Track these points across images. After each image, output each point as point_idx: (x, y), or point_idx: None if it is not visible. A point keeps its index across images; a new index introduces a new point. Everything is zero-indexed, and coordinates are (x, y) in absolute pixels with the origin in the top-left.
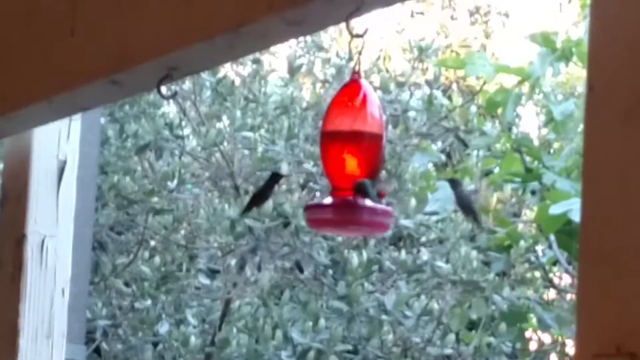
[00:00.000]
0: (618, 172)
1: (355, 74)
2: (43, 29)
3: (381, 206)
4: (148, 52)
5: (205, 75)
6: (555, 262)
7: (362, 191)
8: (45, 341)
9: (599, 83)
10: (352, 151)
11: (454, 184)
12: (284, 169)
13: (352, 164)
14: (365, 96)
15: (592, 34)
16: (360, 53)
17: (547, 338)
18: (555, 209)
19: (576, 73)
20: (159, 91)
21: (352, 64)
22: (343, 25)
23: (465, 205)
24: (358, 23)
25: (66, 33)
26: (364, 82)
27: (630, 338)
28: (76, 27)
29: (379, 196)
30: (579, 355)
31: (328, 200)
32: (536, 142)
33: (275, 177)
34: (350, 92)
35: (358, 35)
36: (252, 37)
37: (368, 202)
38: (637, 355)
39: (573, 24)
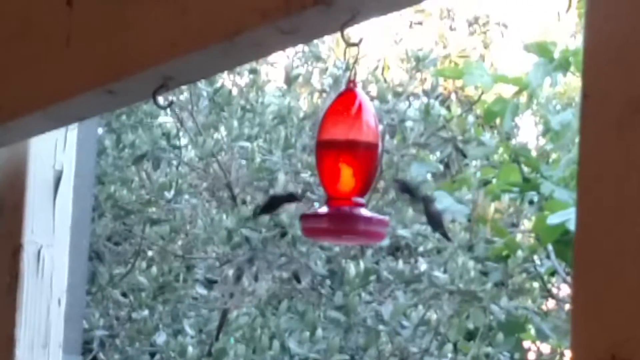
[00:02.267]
0: (613, 180)
1: (351, 83)
2: (39, 38)
3: (377, 215)
4: (144, 61)
5: (202, 85)
6: (553, 273)
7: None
8: (41, 351)
9: (594, 91)
10: (347, 160)
11: (427, 200)
12: (281, 178)
13: (347, 173)
14: (360, 105)
15: (586, 42)
16: (356, 62)
17: (545, 348)
18: (553, 219)
19: (574, 83)
20: (154, 101)
21: (349, 74)
22: (339, 34)
23: (435, 222)
24: (354, 32)
25: (62, 43)
26: (359, 91)
27: (626, 346)
28: (72, 37)
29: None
30: None
31: (324, 209)
32: (534, 153)
33: (291, 198)
34: (345, 101)
35: (353, 44)
36: (247, 46)
37: (364, 212)
38: None
39: (571, 35)
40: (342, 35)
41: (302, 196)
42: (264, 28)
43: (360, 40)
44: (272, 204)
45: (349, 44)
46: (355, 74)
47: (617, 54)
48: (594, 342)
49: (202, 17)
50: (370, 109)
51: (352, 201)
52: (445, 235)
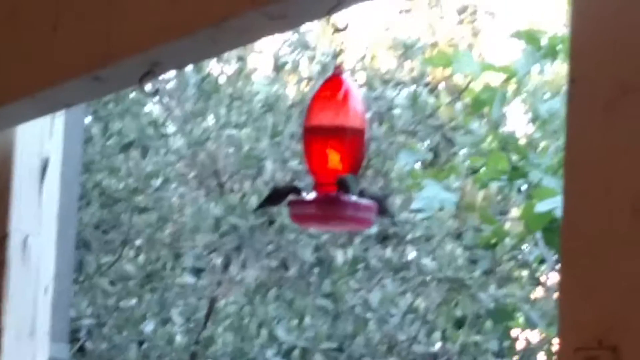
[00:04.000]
0: (599, 164)
1: (338, 69)
2: (26, 25)
3: (365, 201)
4: (131, 48)
5: (189, 73)
6: (542, 261)
7: (344, 186)
8: (28, 340)
9: (581, 75)
10: (334, 146)
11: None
12: (269, 167)
13: (334, 159)
14: (347, 91)
15: (573, 27)
16: (342, 48)
17: (534, 337)
18: (541, 207)
19: (562, 71)
20: (141, 87)
21: (337, 61)
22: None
23: (382, 210)
24: (341, 17)
25: (49, 30)
26: (346, 76)
27: (612, 332)
28: (59, 24)
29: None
30: (562, 349)
31: (311, 195)
32: (523, 141)
33: (294, 190)
34: (332, 86)
35: (340, 30)
36: (235, 32)
37: (352, 198)
38: (619, 348)
39: (561, 24)
40: (329, 21)
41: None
42: (251, 14)
43: (347, 26)
44: (275, 197)
45: (336, 30)
46: (342, 60)
47: (603, 38)
48: (581, 328)
49: (190, 3)
50: (357, 94)
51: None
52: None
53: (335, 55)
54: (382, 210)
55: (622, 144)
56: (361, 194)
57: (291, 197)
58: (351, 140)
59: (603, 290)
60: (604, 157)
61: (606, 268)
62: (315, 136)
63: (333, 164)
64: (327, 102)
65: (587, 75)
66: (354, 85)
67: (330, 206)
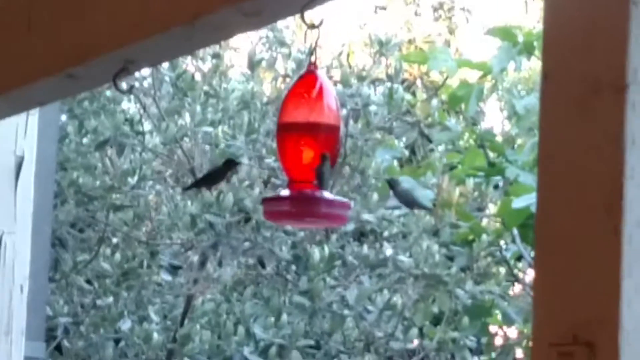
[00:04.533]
0: (573, 160)
1: (311, 65)
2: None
3: (339, 198)
4: (104, 45)
5: (164, 70)
6: (519, 257)
7: (319, 175)
8: (4, 338)
9: (554, 71)
10: (309, 143)
11: (392, 183)
12: (245, 163)
13: (309, 155)
14: (321, 87)
15: (546, 23)
16: (316, 44)
17: (512, 333)
18: (518, 203)
19: (538, 68)
20: (115, 85)
21: (311, 58)
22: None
23: (408, 200)
24: (316, 14)
25: (23, 28)
26: (320, 73)
27: (587, 327)
28: (32, 22)
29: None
30: (536, 345)
31: (285, 192)
32: (499, 138)
33: (230, 164)
34: (306, 83)
35: (314, 26)
36: (209, 28)
37: (326, 194)
38: (594, 343)
39: (537, 21)
40: (303, 17)
41: (240, 162)
42: (225, 10)
43: (321, 22)
44: (211, 177)
45: (310, 26)
46: (316, 57)
47: (576, 35)
48: (556, 323)
49: (164, 0)
50: (331, 91)
51: (313, 184)
52: (424, 207)
53: (310, 52)
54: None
55: (594, 141)
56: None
57: (231, 172)
58: (325, 137)
59: (577, 285)
60: (576, 153)
61: (580, 263)
62: (289, 133)
63: (307, 161)
64: (301, 99)
65: (559, 72)
66: (328, 81)
67: (305, 203)
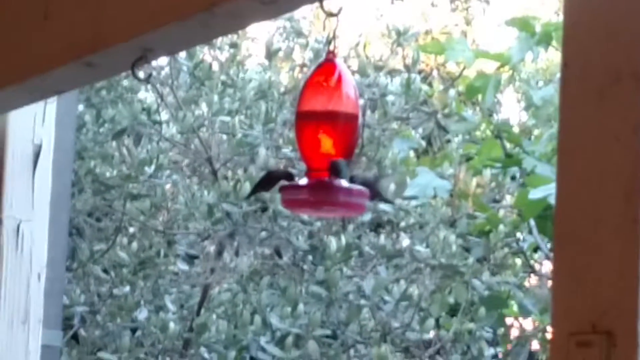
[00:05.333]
0: (592, 150)
1: (330, 54)
2: (17, 12)
3: (357, 187)
4: (122, 33)
5: (182, 60)
6: (536, 249)
7: (336, 170)
8: (21, 327)
9: (574, 60)
10: (327, 131)
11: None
12: (262, 153)
13: (327, 144)
14: (340, 76)
15: (567, 11)
16: (334, 32)
17: (528, 324)
18: (535, 194)
19: (556, 59)
20: (133, 73)
21: (328, 45)
22: (320, 9)
23: (374, 193)
24: (334, 3)
25: (40, 16)
26: (339, 61)
27: (606, 316)
28: (50, 10)
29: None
30: (555, 334)
31: (303, 181)
32: (516, 129)
33: (287, 176)
34: (325, 71)
35: (333, 14)
36: (227, 16)
37: (344, 183)
38: (613, 333)
39: (555, 12)
40: (322, 5)
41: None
42: None
43: (340, 10)
44: (268, 181)
45: (329, 14)
46: (335, 45)
47: (597, 24)
48: (575, 312)
49: None
50: (350, 79)
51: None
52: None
53: (328, 41)
54: (375, 193)
55: (615, 130)
56: (352, 179)
57: (283, 182)
58: (344, 126)
59: (596, 275)
60: (596, 142)
61: (599, 253)
62: (307, 121)
63: (325, 149)
64: (320, 87)
65: (580, 61)
66: (347, 70)
67: (323, 192)
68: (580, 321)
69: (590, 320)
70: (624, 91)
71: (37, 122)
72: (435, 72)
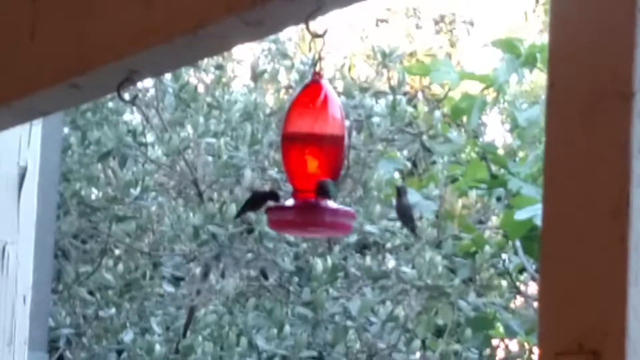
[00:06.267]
0: (579, 168)
1: (316, 75)
2: (3, 32)
3: (343, 207)
4: (108, 55)
5: (167, 81)
6: (521, 270)
7: (324, 191)
8: (6, 349)
9: (559, 80)
10: (313, 152)
11: (400, 190)
12: (248, 175)
13: (313, 165)
14: (326, 97)
15: (552, 30)
16: (320, 53)
17: (514, 346)
18: (520, 215)
19: (540, 81)
20: (119, 94)
21: (314, 66)
22: (306, 30)
23: (406, 215)
24: (319, 25)
25: (26, 37)
26: (324, 82)
27: (593, 336)
28: (36, 32)
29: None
30: (542, 354)
31: (290, 202)
32: (501, 150)
33: (273, 197)
34: (311, 92)
35: (318, 35)
36: (212, 38)
37: (330, 204)
38: (600, 352)
39: (538, 32)
40: (307, 27)
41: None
42: (228, 20)
43: (325, 32)
44: (255, 201)
45: (315, 36)
46: (320, 66)
47: (583, 42)
48: (562, 332)
49: (167, 10)
50: (335, 100)
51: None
52: (413, 229)
53: (314, 62)
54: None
55: (600, 149)
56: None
57: (270, 202)
58: (330, 147)
59: (583, 294)
60: (582, 160)
61: (585, 272)
62: (293, 143)
63: (312, 170)
64: (306, 108)
65: (565, 80)
66: (333, 91)
67: (309, 212)
68: (566, 341)
69: (576, 339)
70: (610, 110)
71: (22, 144)
72: (420, 94)
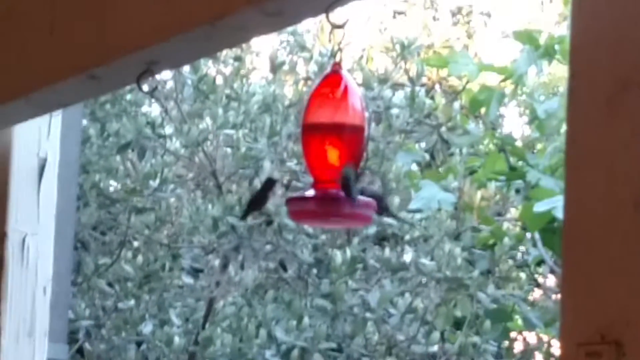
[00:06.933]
0: (601, 158)
1: (336, 65)
2: (22, 25)
3: (363, 198)
4: (127, 46)
5: (186, 73)
6: (540, 262)
7: (345, 179)
8: (27, 340)
9: (582, 70)
10: (333, 143)
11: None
12: (267, 167)
13: (333, 155)
14: (346, 87)
15: (574, 21)
16: (340, 44)
17: (532, 338)
18: (539, 207)
19: (559, 73)
20: (138, 86)
21: (334, 57)
22: (325, 22)
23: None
24: (338, 15)
25: (45, 30)
26: (344, 73)
27: (615, 326)
28: (55, 24)
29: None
30: (564, 345)
31: (310, 192)
32: (520, 142)
33: (270, 183)
34: (331, 83)
35: (338, 26)
36: (231, 29)
37: (353, 192)
38: (622, 343)
39: (555, 24)
40: (328, 17)
41: (279, 179)
42: (248, 11)
43: (346, 22)
44: (254, 202)
45: (335, 26)
46: (341, 56)
47: (605, 33)
48: (583, 323)
49: (186, 1)
50: (356, 91)
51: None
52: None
53: (334, 52)
54: (382, 208)
55: (623, 139)
56: (361, 192)
57: (271, 192)
58: (350, 137)
59: (605, 285)
60: (605, 151)
61: (608, 263)
62: (314, 133)
63: (332, 160)
64: (325, 98)
65: (587, 70)
66: (353, 81)
67: (329, 203)
68: (589, 332)
69: (598, 330)
70: (632, 99)
71: (42, 136)
72: (437, 86)
